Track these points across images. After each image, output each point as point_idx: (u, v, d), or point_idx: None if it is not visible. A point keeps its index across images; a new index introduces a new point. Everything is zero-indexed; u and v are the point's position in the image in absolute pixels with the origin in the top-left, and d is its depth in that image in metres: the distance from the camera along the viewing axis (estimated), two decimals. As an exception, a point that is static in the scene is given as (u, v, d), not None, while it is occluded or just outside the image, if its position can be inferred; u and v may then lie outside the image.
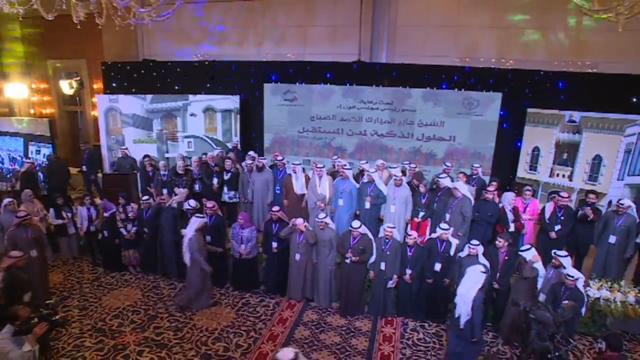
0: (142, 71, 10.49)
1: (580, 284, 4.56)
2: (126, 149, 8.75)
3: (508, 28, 8.61)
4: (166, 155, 9.43)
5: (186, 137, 9.49)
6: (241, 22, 10.15)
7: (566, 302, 4.03)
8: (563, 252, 4.83)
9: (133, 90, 10.21)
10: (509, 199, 6.16)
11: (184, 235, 5.66)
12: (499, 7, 8.54)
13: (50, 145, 9.80)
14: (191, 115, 9.40)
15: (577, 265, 5.80)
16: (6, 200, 6.28)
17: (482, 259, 5.14)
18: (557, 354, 3.60)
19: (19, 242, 5.53)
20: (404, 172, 6.97)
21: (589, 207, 5.89)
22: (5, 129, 10.32)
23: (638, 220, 5.81)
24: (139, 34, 10.93)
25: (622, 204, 5.76)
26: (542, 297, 4.65)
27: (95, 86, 11.52)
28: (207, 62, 10.06)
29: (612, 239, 5.80)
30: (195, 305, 5.81)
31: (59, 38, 11.08)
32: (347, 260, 5.56)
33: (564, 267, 4.56)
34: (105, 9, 5.15)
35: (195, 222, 5.60)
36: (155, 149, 9.41)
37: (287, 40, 9.94)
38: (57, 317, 3.31)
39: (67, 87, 10.06)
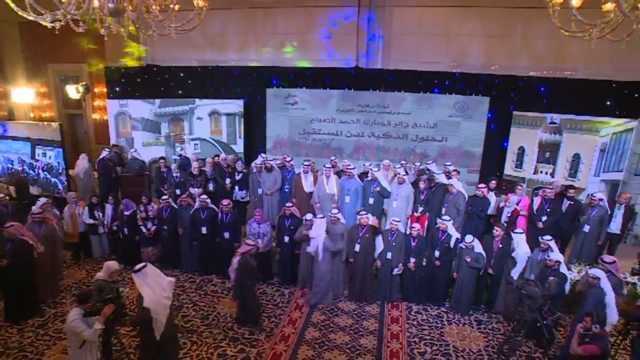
0: (146, 76, 10.79)
1: (562, 266, 5.25)
2: (135, 151, 9.15)
3: (494, 36, 9.30)
4: (174, 157, 9.83)
5: (193, 139, 9.93)
6: (242, 28, 10.58)
7: (551, 278, 4.72)
8: (548, 237, 5.53)
9: (137, 94, 10.49)
10: (510, 201, 6.81)
11: (311, 236, 6.07)
12: (486, 17, 9.22)
13: (60, 148, 10.06)
14: (197, 118, 9.84)
15: (561, 252, 6.50)
16: (42, 201, 6.65)
17: (478, 248, 5.82)
18: (544, 322, 4.25)
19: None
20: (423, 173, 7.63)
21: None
22: (14, 133, 10.54)
23: (609, 212, 6.56)
24: (141, 39, 11.24)
25: (594, 197, 6.50)
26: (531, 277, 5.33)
27: (96, 90, 11.79)
28: (209, 68, 10.46)
29: (586, 228, 6.56)
30: (326, 299, 6.25)
31: (59, 43, 11.30)
32: (357, 249, 6.15)
33: (551, 250, 5.25)
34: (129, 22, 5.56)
35: (321, 225, 6.03)
36: (163, 152, 9.81)
37: (287, 46, 10.42)
38: (120, 299, 3.79)
39: (74, 91, 10.35)
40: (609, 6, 4.10)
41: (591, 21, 4.03)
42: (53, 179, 9.90)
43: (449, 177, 7.34)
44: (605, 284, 4.68)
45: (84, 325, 3.60)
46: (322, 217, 6.11)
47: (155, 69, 10.83)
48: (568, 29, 4.54)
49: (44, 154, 10.68)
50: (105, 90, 11.24)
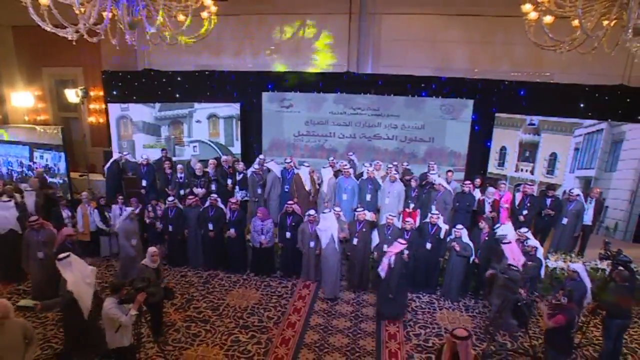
0: (143, 80, 11.04)
1: (539, 253, 5.86)
2: (128, 154, 9.46)
3: (477, 43, 9.92)
4: (174, 159, 10.16)
5: (192, 141, 10.29)
6: (238, 34, 10.95)
7: (530, 263, 5.33)
8: (524, 229, 6.14)
9: (134, 98, 10.75)
10: (490, 193, 7.41)
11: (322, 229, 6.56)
12: (469, 24, 9.82)
13: (61, 152, 10.27)
14: (196, 121, 10.21)
15: (541, 242, 7.10)
16: (129, 210, 6.95)
17: (465, 239, 6.39)
18: (524, 302, 4.84)
19: (30, 244, 6.21)
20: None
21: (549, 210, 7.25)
22: (15, 137, 10.72)
23: (586, 207, 7.22)
24: (138, 44, 11.44)
25: (572, 193, 7.14)
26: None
27: (92, 94, 11.98)
28: (207, 72, 10.80)
29: (564, 221, 7.20)
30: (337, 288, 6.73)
31: (55, 46, 11.42)
32: (355, 242, 6.67)
33: (529, 239, 5.86)
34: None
35: (330, 218, 6.61)
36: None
37: (281, 51, 10.85)
38: (150, 288, 4.19)
39: (73, 95, 10.58)
40: (576, 22, 4.71)
41: (561, 37, 4.62)
42: (53, 180, 10.14)
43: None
44: (585, 277, 5.25)
45: (120, 313, 4.00)
46: (329, 212, 6.58)
47: (152, 73, 11.11)
48: (542, 43, 5.13)
49: (42, 157, 10.90)
50: (101, 93, 11.49)
